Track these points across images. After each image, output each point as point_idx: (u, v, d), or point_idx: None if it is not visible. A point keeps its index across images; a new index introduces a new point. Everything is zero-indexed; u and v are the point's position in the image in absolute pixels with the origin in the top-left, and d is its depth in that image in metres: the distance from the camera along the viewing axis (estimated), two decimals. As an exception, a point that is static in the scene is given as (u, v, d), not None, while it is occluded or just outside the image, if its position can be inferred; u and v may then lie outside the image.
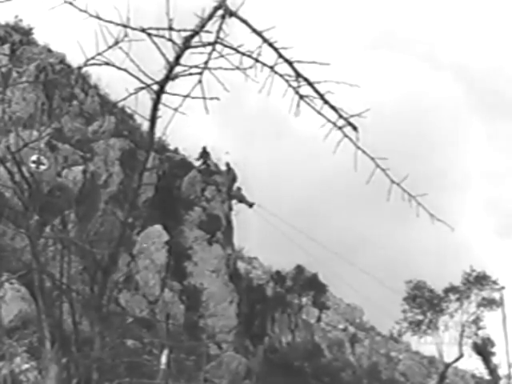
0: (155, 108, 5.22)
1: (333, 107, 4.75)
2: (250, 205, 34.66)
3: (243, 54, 4.69)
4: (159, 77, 4.99)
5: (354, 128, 4.76)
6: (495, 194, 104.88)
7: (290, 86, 4.74)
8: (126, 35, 4.85)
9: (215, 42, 4.70)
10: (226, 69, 4.72)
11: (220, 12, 4.65)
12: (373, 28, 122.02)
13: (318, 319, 40.83)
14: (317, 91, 4.73)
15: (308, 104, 4.74)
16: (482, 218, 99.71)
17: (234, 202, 34.35)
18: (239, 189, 34.58)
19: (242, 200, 34.47)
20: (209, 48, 4.74)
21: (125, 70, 4.94)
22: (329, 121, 4.74)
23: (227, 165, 34.23)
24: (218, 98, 4.76)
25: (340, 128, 4.74)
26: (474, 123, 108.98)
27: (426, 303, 37.06)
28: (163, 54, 4.85)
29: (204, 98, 4.71)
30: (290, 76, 4.73)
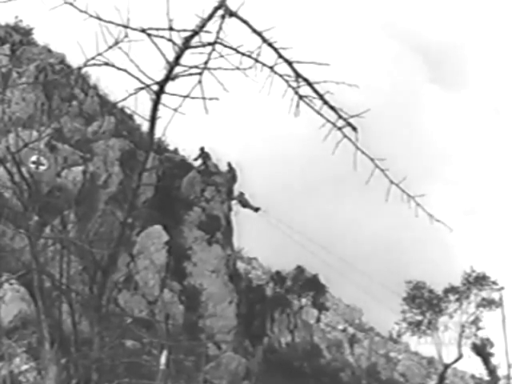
0: (155, 108, 5.22)
1: (332, 107, 4.75)
2: (256, 209, 34.29)
3: (243, 54, 4.69)
4: (159, 77, 4.99)
5: (354, 128, 4.76)
6: (459, 169, 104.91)
7: (289, 86, 4.74)
8: (125, 35, 4.85)
9: (215, 43, 4.70)
10: (225, 69, 4.72)
11: (220, 12, 4.65)
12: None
13: (318, 320, 40.80)
14: (316, 91, 4.73)
15: (307, 104, 4.74)
16: (447, 195, 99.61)
17: (234, 202, 34.13)
18: (242, 194, 34.25)
19: (246, 205, 34.14)
20: (208, 48, 4.74)
21: (125, 70, 4.94)
22: (328, 121, 4.74)
23: (228, 165, 34.11)
24: (217, 99, 4.76)
25: (339, 128, 4.74)
26: (432, 95, 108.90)
27: (425, 303, 37.06)
28: (163, 55, 4.86)
29: (204, 98, 4.71)
30: (289, 76, 4.74)
